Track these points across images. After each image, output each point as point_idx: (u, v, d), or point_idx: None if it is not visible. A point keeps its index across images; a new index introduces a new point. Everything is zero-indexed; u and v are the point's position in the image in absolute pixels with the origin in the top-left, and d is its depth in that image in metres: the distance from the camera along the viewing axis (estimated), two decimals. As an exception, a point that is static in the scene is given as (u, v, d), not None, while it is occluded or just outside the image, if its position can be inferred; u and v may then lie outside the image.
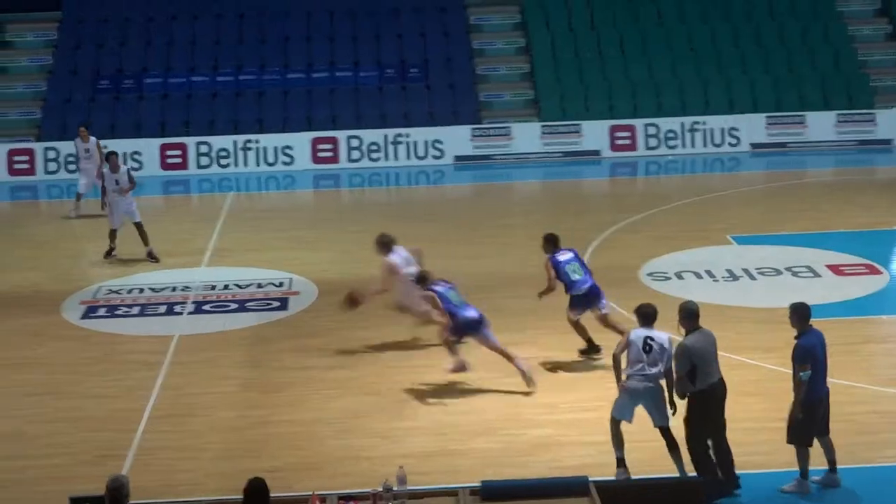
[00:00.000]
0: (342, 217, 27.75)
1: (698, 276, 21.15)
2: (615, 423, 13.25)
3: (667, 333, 13.28)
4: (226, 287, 21.50)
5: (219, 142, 32.45)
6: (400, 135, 33.01)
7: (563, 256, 16.99)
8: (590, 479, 11.63)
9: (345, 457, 14.19)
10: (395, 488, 11.32)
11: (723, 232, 24.10)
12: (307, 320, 19.47)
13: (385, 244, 17.77)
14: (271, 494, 10.12)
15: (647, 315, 13.36)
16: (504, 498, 11.43)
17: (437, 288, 16.31)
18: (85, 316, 20.19)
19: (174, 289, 21.48)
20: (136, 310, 20.41)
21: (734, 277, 21.05)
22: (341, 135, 32.91)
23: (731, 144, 33.16)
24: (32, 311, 20.39)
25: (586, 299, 16.87)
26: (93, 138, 27.48)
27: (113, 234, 23.40)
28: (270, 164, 32.59)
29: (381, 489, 11.22)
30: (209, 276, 22.36)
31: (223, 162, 32.41)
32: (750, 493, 12.81)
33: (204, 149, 32.43)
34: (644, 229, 24.78)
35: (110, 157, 23.66)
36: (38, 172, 31.94)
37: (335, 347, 17.93)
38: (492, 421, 15.01)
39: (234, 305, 20.56)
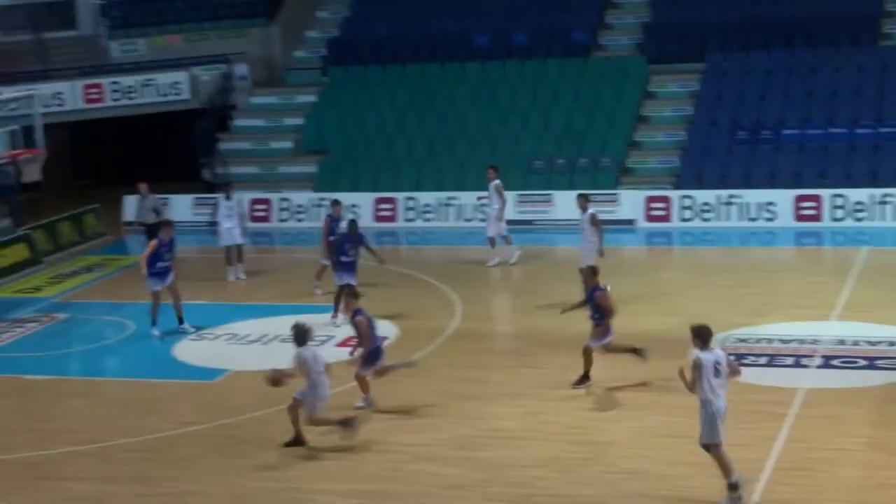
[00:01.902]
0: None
1: None
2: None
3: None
4: (855, 343, 21.08)
5: (855, 195, 31.81)
6: None
7: None
8: None
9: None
10: None
11: None
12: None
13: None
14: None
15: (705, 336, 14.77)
16: None
17: (366, 314, 18.45)
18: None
19: (802, 341, 21.35)
20: (763, 360, 20.50)
21: None
22: None
23: None
24: (663, 356, 20.95)
25: None
26: (496, 182, 28.64)
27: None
28: (909, 219, 31.52)
29: None
30: (839, 330, 22.02)
31: (858, 215, 31.73)
32: None
33: (839, 201, 31.87)
34: None
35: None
36: (674, 219, 32.79)
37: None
38: None
39: (863, 362, 20.12)
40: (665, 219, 32.75)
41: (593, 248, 24.58)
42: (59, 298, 28.13)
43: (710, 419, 14.75)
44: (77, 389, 21.87)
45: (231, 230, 28.50)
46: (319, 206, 34.86)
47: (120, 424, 19.17)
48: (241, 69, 40.07)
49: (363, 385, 18.95)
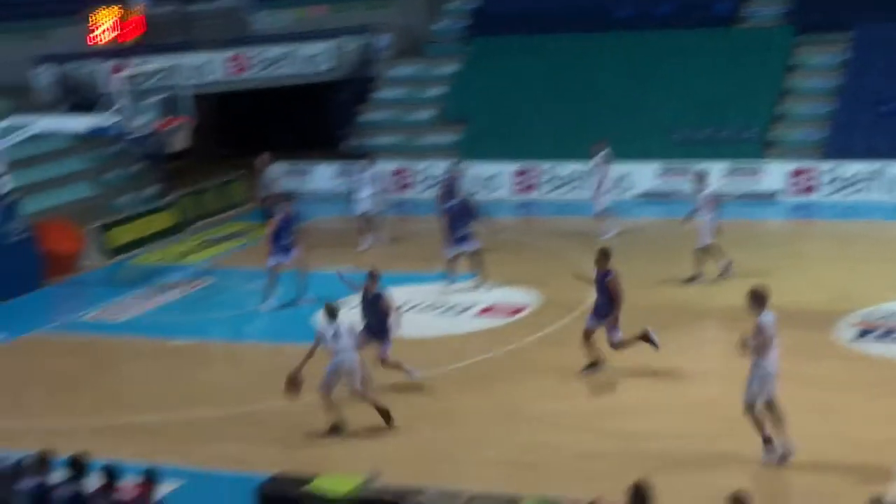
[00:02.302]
0: None
1: None
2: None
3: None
4: None
5: None
6: None
7: None
8: None
9: None
10: None
11: None
12: None
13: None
14: None
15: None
16: None
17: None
18: (857, 337, 20.16)
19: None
20: (911, 335, 20.11)
21: None
22: None
23: None
24: (806, 329, 20.61)
25: None
26: (604, 152, 29.13)
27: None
28: None
29: None
30: None
31: None
32: None
33: None
34: None
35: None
36: (819, 192, 32.22)
37: None
38: None
39: None
40: (809, 191, 32.17)
41: (707, 227, 24.22)
42: (206, 265, 28.72)
43: (766, 378, 15.06)
44: (220, 353, 22.34)
45: (368, 199, 28.99)
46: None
47: (261, 389, 19.51)
48: (383, 40, 40.27)
49: (396, 366, 19.10)
